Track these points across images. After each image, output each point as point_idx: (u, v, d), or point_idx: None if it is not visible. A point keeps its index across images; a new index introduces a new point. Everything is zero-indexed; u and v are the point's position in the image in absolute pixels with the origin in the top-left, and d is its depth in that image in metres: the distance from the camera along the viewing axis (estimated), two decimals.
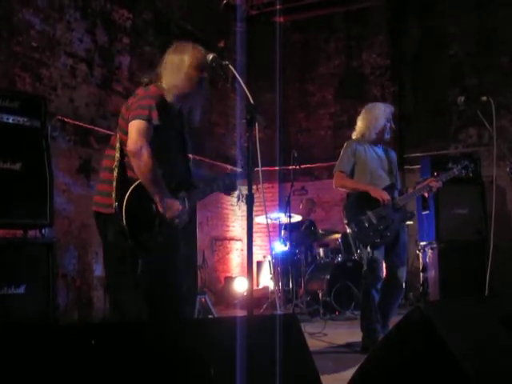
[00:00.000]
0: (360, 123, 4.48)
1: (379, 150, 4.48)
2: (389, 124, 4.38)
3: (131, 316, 2.76)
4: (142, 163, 2.66)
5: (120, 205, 2.66)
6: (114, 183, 2.72)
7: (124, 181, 2.72)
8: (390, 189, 4.32)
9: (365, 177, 4.35)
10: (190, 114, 3.03)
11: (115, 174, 2.74)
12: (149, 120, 2.69)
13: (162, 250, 2.82)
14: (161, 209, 2.75)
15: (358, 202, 4.25)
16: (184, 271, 3.05)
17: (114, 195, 2.70)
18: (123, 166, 2.76)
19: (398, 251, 4.32)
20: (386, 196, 4.20)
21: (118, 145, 2.79)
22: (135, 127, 2.67)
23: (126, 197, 2.67)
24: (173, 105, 2.90)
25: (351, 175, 4.38)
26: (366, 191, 4.24)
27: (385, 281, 4.27)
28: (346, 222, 4.30)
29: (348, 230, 4.28)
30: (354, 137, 4.53)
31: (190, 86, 2.86)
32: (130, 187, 2.70)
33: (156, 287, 2.90)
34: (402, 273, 4.32)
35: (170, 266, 2.93)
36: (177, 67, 2.85)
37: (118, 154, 2.77)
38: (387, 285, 4.27)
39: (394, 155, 4.60)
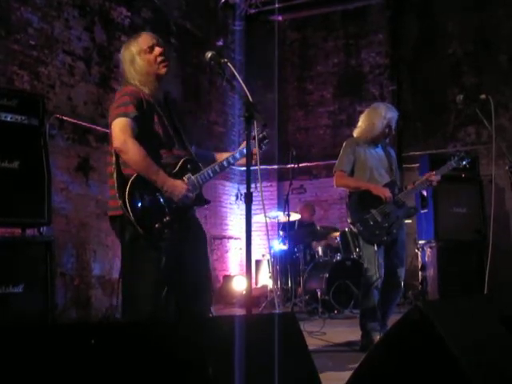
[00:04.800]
0: (360, 123, 4.47)
1: (378, 149, 4.47)
2: (387, 130, 4.36)
3: (146, 314, 2.77)
4: (130, 155, 2.73)
5: (124, 202, 2.69)
6: (116, 184, 2.76)
7: (122, 179, 2.75)
8: (390, 185, 4.31)
9: (365, 175, 4.34)
10: (169, 95, 3.10)
11: (114, 175, 2.78)
12: (125, 115, 2.77)
13: (179, 237, 2.83)
14: (166, 193, 2.78)
15: (361, 201, 4.24)
16: (201, 256, 3.05)
17: (117, 195, 2.73)
18: (119, 165, 2.79)
19: (397, 250, 4.32)
20: (387, 193, 4.20)
21: (112, 150, 2.84)
22: (116, 126, 2.77)
23: (127, 192, 2.70)
24: (154, 96, 2.95)
25: (351, 174, 4.37)
26: (367, 189, 4.24)
27: (383, 280, 4.27)
28: (350, 221, 4.31)
29: (354, 230, 4.28)
30: (354, 134, 4.52)
31: (155, 68, 2.91)
32: (128, 182, 2.73)
33: (177, 275, 2.90)
34: (401, 272, 4.32)
35: (188, 251, 2.94)
36: (130, 61, 2.93)
37: (114, 158, 2.82)
38: (386, 284, 4.26)
39: (393, 153, 4.60)
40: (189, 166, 2.94)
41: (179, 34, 8.26)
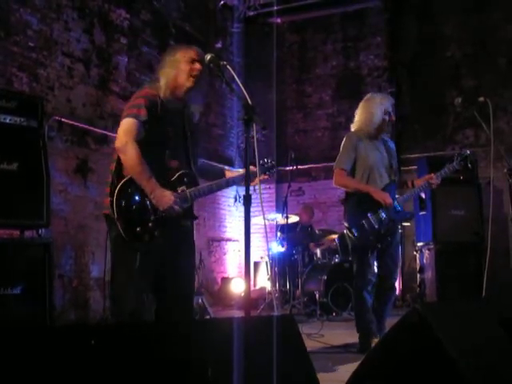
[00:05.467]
0: (357, 116, 4.35)
1: (379, 144, 4.34)
2: (387, 117, 4.23)
3: (128, 313, 2.80)
4: (127, 157, 2.78)
5: (111, 200, 2.75)
6: (110, 181, 2.82)
7: (119, 178, 2.81)
8: (389, 187, 4.21)
9: (365, 174, 4.21)
10: (188, 109, 3.14)
11: (113, 173, 2.84)
12: (136, 117, 2.82)
13: (160, 245, 2.85)
14: (153, 201, 2.80)
15: (359, 205, 4.12)
16: (192, 267, 3.11)
17: (109, 190, 2.79)
18: (120, 164, 2.85)
19: (392, 252, 4.24)
20: (388, 199, 4.07)
21: None
22: (122, 126, 2.84)
23: (116, 191, 2.75)
24: (172, 103, 2.99)
25: (352, 172, 4.23)
26: (367, 192, 4.12)
27: (377, 282, 4.21)
28: (346, 225, 4.17)
29: (349, 234, 4.15)
30: (352, 129, 4.41)
31: (184, 78, 2.98)
32: (120, 182, 2.78)
33: (171, 281, 2.94)
34: (395, 274, 4.27)
35: (183, 259, 2.98)
36: (170, 64, 3.00)
37: (116, 155, 2.88)
38: (379, 286, 4.21)
39: (393, 146, 4.47)
40: (185, 179, 2.96)
41: (178, 35, 8.26)
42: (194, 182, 3.00)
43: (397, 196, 4.25)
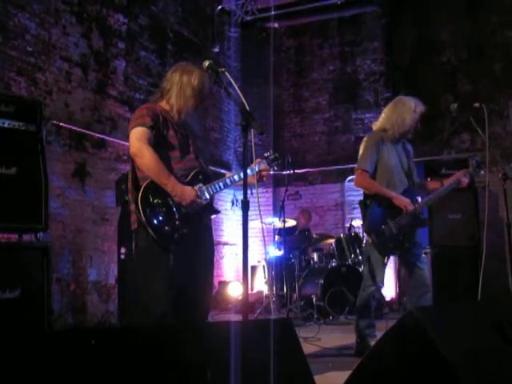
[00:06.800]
0: (386, 116, 4.25)
1: (399, 147, 4.27)
2: (415, 125, 4.19)
3: (157, 315, 2.84)
4: (144, 160, 2.88)
5: (136, 203, 2.82)
6: (131, 187, 2.96)
7: (136, 182, 2.93)
8: (409, 193, 4.15)
9: (385, 178, 4.13)
10: (188, 124, 3.28)
11: (131, 186, 2.97)
12: (142, 125, 2.93)
13: (190, 243, 2.92)
14: (175, 198, 2.87)
15: (380, 210, 4.06)
16: (210, 266, 3.17)
17: (131, 196, 2.92)
18: (134, 170, 2.98)
19: (414, 252, 4.15)
20: (410, 207, 4.01)
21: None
22: (133, 135, 2.95)
23: (140, 194, 2.83)
24: (177, 118, 3.12)
25: (374, 174, 4.13)
26: (389, 197, 4.05)
27: (411, 285, 4.18)
28: (365, 230, 4.14)
29: (368, 240, 4.12)
30: (375, 127, 4.32)
31: (194, 104, 3.11)
32: (142, 185, 2.87)
33: (187, 280, 2.98)
34: (426, 272, 4.18)
35: (199, 259, 3.03)
36: (184, 84, 3.09)
37: (131, 164, 3.02)
38: (413, 287, 4.16)
39: (410, 148, 4.39)
40: (200, 176, 3.05)
41: (176, 40, 8.29)
42: (209, 178, 3.08)
43: (416, 203, 4.15)
